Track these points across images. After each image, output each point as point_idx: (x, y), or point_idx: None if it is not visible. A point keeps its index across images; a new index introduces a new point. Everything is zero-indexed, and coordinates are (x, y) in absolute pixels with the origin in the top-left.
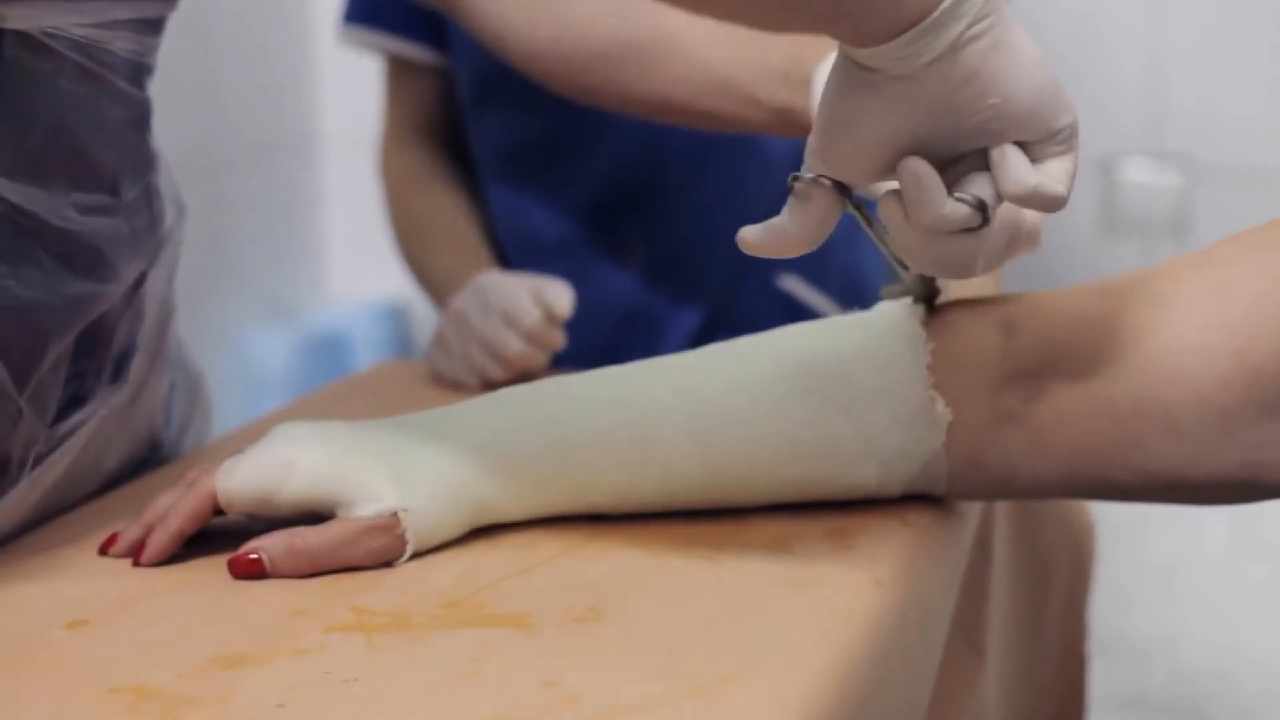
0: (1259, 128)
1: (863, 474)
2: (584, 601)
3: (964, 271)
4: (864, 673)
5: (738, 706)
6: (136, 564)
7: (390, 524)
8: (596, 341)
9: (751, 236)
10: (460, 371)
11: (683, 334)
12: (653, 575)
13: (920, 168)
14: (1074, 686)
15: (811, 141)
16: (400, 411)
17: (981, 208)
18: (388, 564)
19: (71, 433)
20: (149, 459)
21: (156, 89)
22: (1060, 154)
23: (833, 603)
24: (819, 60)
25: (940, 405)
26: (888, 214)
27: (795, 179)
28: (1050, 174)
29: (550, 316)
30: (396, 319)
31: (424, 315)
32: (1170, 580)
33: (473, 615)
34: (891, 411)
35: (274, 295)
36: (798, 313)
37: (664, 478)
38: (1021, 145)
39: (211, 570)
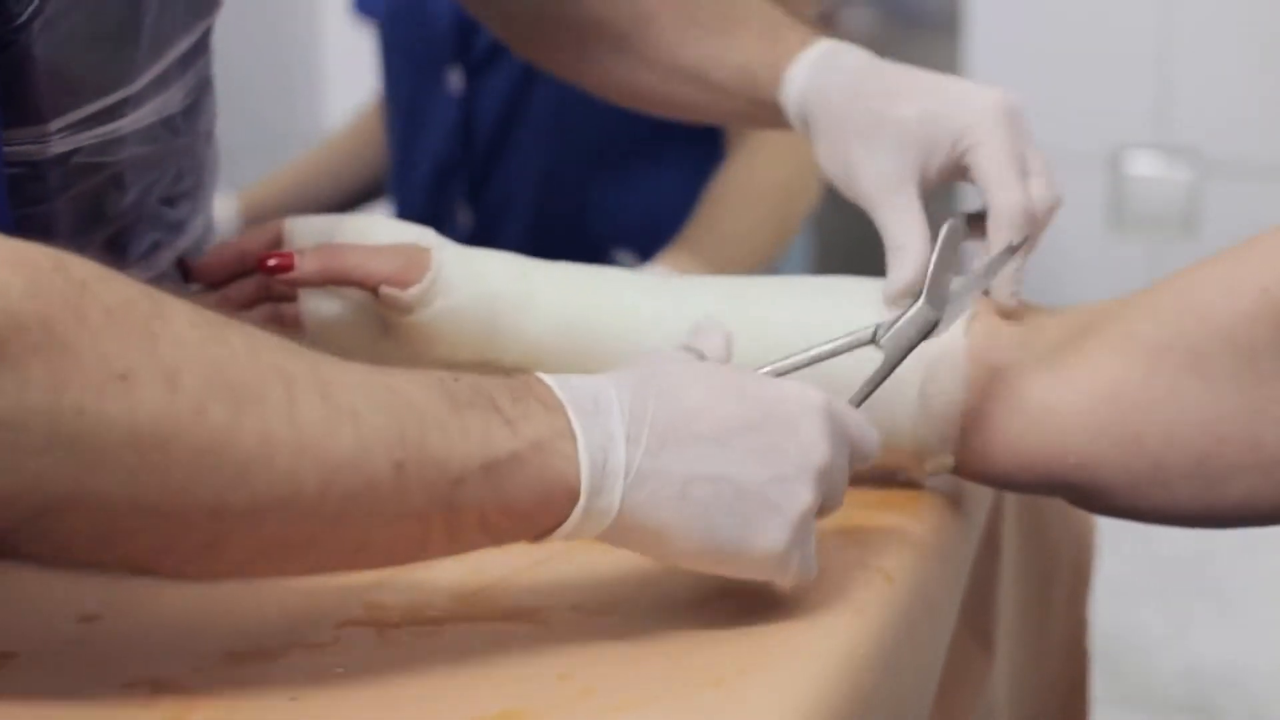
0: (1269, 121)
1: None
2: (597, 595)
3: None
4: (873, 666)
5: (750, 699)
6: (190, 281)
7: (421, 256)
8: None
9: None
10: None
11: None
12: (665, 569)
13: None
14: (1078, 681)
15: None
16: None
17: None
18: (408, 292)
19: None
20: None
21: None
22: None
23: (843, 597)
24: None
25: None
26: None
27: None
28: None
29: None
30: None
31: None
32: (1180, 576)
33: (485, 610)
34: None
35: None
36: None
37: None
38: None
39: None
